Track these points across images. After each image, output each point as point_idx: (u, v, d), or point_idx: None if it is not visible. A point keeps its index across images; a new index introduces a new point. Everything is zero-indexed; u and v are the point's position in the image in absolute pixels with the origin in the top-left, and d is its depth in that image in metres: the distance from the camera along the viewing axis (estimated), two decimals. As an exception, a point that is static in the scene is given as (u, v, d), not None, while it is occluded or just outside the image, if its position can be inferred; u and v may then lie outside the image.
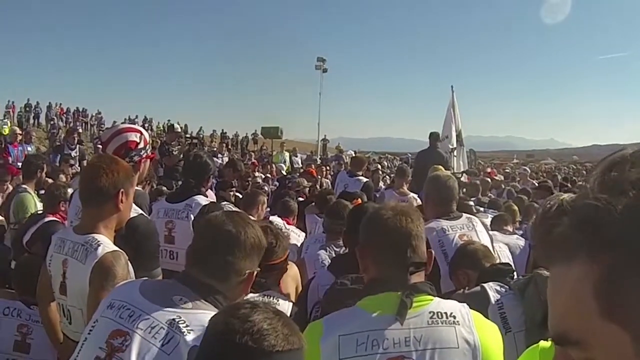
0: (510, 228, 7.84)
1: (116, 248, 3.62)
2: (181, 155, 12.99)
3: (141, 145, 4.80)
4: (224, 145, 32.28)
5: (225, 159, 20.28)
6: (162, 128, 49.50)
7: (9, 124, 31.39)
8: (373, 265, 2.91)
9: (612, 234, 0.87)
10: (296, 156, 30.84)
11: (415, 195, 10.58)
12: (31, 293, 4.37)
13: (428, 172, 10.57)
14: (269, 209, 9.13)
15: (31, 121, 45.19)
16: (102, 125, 45.82)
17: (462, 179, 14.87)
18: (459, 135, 17.68)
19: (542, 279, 3.88)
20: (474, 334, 2.63)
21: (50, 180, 10.47)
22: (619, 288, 0.87)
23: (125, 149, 4.70)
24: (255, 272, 2.88)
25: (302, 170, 20.39)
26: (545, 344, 2.26)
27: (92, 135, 44.10)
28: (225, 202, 8.18)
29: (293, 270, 4.93)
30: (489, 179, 17.57)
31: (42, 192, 9.07)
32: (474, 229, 5.31)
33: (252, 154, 33.33)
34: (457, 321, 2.67)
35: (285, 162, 26.32)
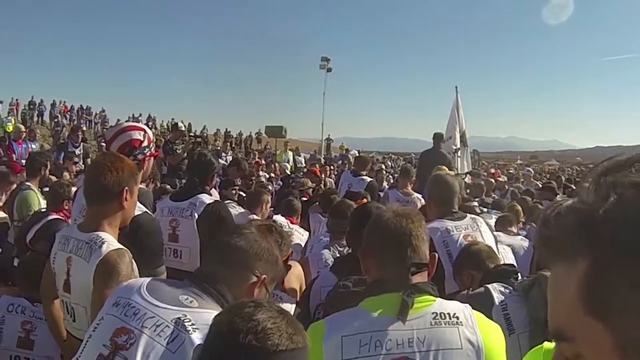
0: (514, 229, 7.83)
1: (120, 246, 3.61)
2: (185, 154, 13.00)
3: (145, 144, 4.80)
4: (228, 144, 32.29)
5: (229, 158, 20.28)
6: (166, 127, 49.56)
7: (13, 121, 31.45)
8: (374, 266, 2.92)
9: (593, 235, 0.91)
10: (299, 155, 30.85)
11: (419, 196, 10.57)
12: (35, 290, 4.37)
13: (431, 172, 10.58)
14: (272, 208, 9.12)
15: (35, 119, 45.25)
16: (106, 123, 45.85)
17: (465, 179, 14.86)
18: (462, 136, 17.66)
19: (546, 280, 3.85)
20: (477, 334, 2.63)
21: (53, 178, 10.47)
22: (600, 286, 0.92)
23: (129, 147, 4.71)
24: (265, 278, 2.88)
25: (305, 170, 20.37)
26: (549, 345, 2.26)
27: (96, 133, 44.15)
28: (228, 201, 8.18)
29: (297, 269, 4.94)
30: (492, 180, 17.54)
31: (46, 189, 9.07)
32: (478, 229, 5.31)
33: (256, 153, 33.33)
34: (460, 322, 2.66)
35: (288, 161, 26.33)
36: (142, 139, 4.78)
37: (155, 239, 4.37)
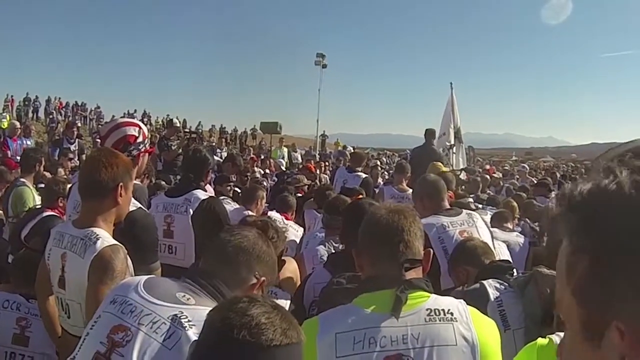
0: (510, 225, 7.84)
1: (115, 242, 3.61)
2: (180, 150, 13.00)
3: (140, 139, 4.80)
4: (223, 140, 32.28)
5: (224, 154, 20.28)
6: (161, 123, 49.51)
7: (8, 118, 31.37)
8: (367, 263, 2.92)
9: (576, 218, 0.95)
10: (295, 151, 30.83)
11: (414, 192, 10.56)
12: (30, 287, 4.37)
13: (423, 168, 10.59)
14: (267, 204, 9.12)
15: (30, 115, 45.23)
16: (101, 120, 45.80)
17: (461, 176, 14.86)
18: (457, 132, 17.67)
19: (542, 277, 3.88)
20: (471, 330, 2.62)
21: (48, 174, 10.46)
22: (577, 266, 0.97)
23: (124, 143, 4.70)
24: (264, 281, 2.89)
25: (300, 166, 20.38)
26: (542, 341, 2.26)
27: (91, 129, 44.09)
28: (223, 197, 8.18)
29: (292, 265, 4.94)
30: (487, 176, 17.56)
31: (41, 186, 9.06)
32: (474, 225, 5.32)
33: (251, 149, 33.32)
34: (455, 318, 2.65)
35: (283, 157, 26.32)
36: (136, 134, 4.78)
37: (150, 234, 4.37)
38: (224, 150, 25.72)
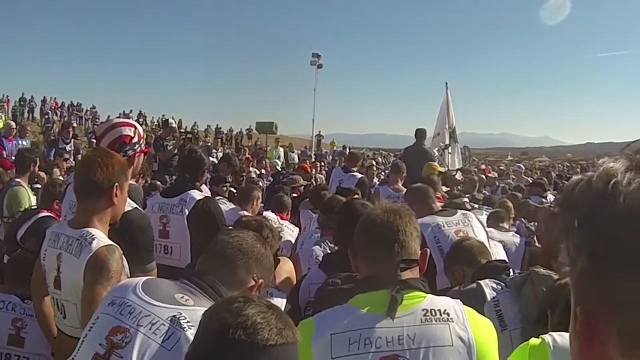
0: (506, 225, 7.84)
1: (111, 242, 3.61)
2: (175, 150, 12.99)
3: (135, 140, 4.80)
4: (219, 140, 32.24)
5: (220, 154, 20.29)
6: (156, 123, 49.47)
7: (4, 118, 31.31)
8: (363, 263, 2.92)
9: (575, 216, 0.95)
10: (292, 152, 30.83)
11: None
12: (26, 287, 4.37)
13: (414, 167, 10.62)
14: (263, 204, 9.13)
15: (26, 115, 45.12)
16: (97, 120, 45.70)
17: (456, 176, 14.87)
18: (453, 132, 17.68)
19: (538, 277, 3.89)
20: (468, 331, 2.61)
21: (42, 174, 10.45)
22: (576, 264, 0.97)
23: (120, 143, 4.70)
24: (262, 283, 2.90)
25: (296, 166, 20.37)
26: (534, 341, 2.27)
27: (86, 129, 44.02)
28: (219, 197, 8.18)
29: (288, 265, 4.94)
30: (483, 176, 17.57)
31: (37, 186, 9.05)
32: (469, 224, 5.34)
33: (247, 149, 33.29)
34: (451, 318, 2.65)
35: (279, 157, 26.30)
36: (132, 135, 4.78)
37: (146, 234, 4.37)
38: (219, 150, 25.67)
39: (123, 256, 3.63)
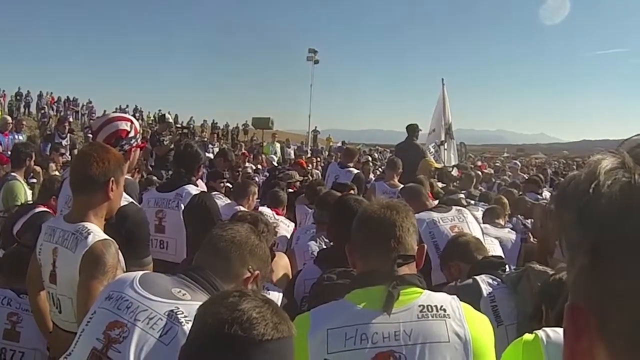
0: (501, 221, 7.85)
1: (106, 237, 3.60)
2: (172, 145, 12.98)
3: (131, 134, 4.79)
4: (215, 135, 32.25)
5: (216, 150, 20.29)
6: (153, 118, 49.48)
7: (0, 113, 31.28)
8: (360, 259, 2.92)
9: (574, 214, 0.92)
10: (289, 147, 30.84)
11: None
12: (21, 282, 4.36)
13: (405, 163, 10.64)
14: (259, 200, 9.13)
15: (22, 110, 45.13)
16: (93, 115, 45.67)
17: (453, 172, 14.86)
18: (449, 129, 17.67)
19: (534, 272, 3.90)
20: (464, 327, 2.61)
21: (38, 169, 10.45)
22: (575, 263, 0.94)
23: (116, 138, 4.69)
24: (258, 274, 2.90)
25: (292, 162, 20.38)
26: (528, 336, 2.27)
27: (82, 124, 43.97)
28: (215, 193, 8.18)
29: (284, 260, 4.94)
30: (479, 172, 17.56)
31: (32, 180, 9.04)
32: (465, 220, 5.36)
33: (243, 144, 33.29)
34: (448, 314, 2.64)
35: (276, 153, 26.31)
36: (128, 129, 4.78)
37: (142, 229, 4.36)
38: (215, 145, 25.69)
39: (119, 251, 3.63)
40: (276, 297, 3.77)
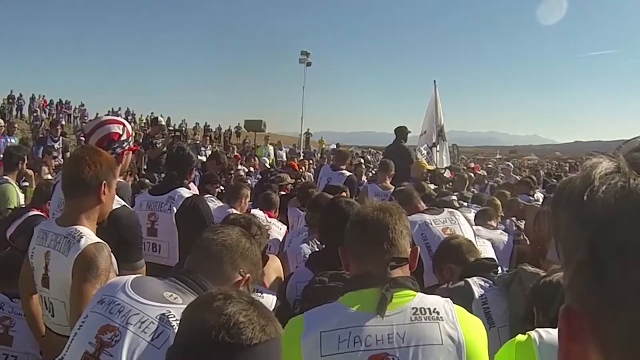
0: (494, 223, 7.86)
1: (99, 240, 3.60)
2: (164, 148, 12.97)
3: (124, 137, 4.80)
4: (207, 138, 32.27)
5: (209, 152, 20.29)
6: (145, 121, 49.46)
7: (-8, 116, 31.24)
8: (353, 261, 2.91)
9: (571, 216, 0.93)
10: (281, 149, 30.84)
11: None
12: (14, 286, 4.35)
13: (395, 165, 10.65)
14: (251, 202, 9.13)
15: (14, 113, 45.02)
16: (85, 118, 45.62)
17: (445, 174, 14.87)
18: (441, 130, 17.66)
19: (526, 274, 3.90)
20: (457, 329, 2.61)
21: (30, 172, 10.43)
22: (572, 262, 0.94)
23: (108, 141, 4.70)
24: (249, 277, 2.90)
25: (285, 164, 20.38)
26: (521, 337, 2.27)
27: (75, 127, 43.94)
28: (208, 195, 8.18)
29: (276, 263, 4.94)
30: (472, 174, 17.56)
31: (24, 183, 9.02)
32: (457, 222, 5.36)
33: (235, 147, 33.30)
34: (441, 317, 2.64)
35: (269, 155, 26.31)
36: (120, 132, 4.78)
37: (134, 232, 4.36)
38: (208, 148, 25.69)
39: (111, 254, 3.63)
40: (270, 300, 3.77)
